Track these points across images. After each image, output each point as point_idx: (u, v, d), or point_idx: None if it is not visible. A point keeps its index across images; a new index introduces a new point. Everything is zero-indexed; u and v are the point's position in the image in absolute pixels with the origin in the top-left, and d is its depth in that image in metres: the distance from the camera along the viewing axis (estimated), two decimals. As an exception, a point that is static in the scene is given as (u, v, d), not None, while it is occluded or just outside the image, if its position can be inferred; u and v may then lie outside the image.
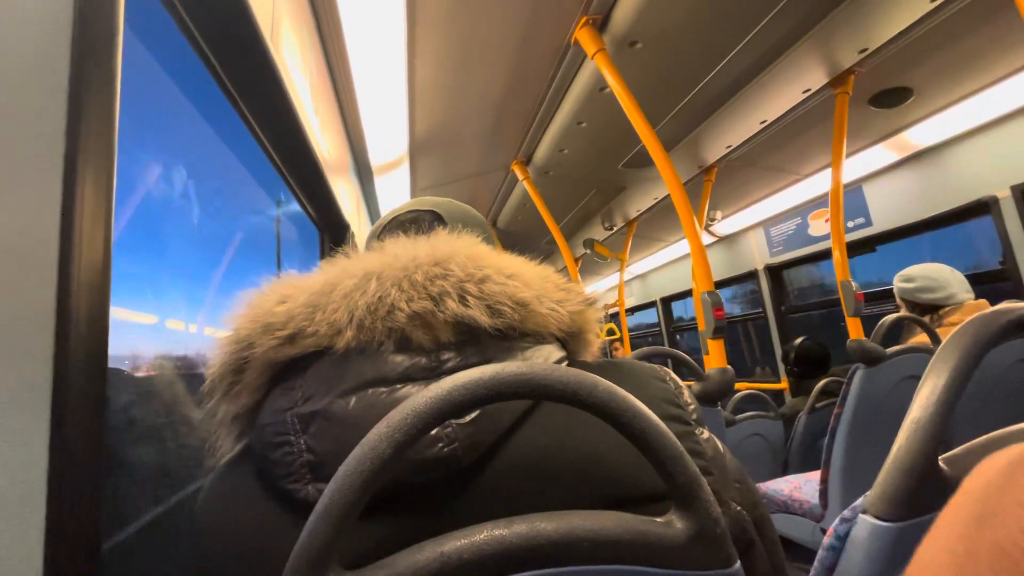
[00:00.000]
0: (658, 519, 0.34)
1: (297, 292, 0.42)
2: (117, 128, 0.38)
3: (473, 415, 0.37)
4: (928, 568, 0.20)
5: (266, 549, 0.35)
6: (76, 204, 0.34)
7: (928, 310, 1.79)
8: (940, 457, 0.38)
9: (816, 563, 0.42)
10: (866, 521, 0.39)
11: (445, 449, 0.36)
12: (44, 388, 0.32)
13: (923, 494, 0.37)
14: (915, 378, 1.52)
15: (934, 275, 1.75)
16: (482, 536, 0.31)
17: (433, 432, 0.36)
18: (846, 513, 0.41)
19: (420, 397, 0.31)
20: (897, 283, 1.86)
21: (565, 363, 0.44)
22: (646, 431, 0.33)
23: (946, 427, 0.37)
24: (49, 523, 0.32)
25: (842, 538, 0.40)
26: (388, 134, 2.23)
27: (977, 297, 1.80)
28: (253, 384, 0.41)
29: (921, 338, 1.70)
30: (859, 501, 0.40)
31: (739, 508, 0.42)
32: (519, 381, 0.32)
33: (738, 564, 0.35)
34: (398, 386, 0.38)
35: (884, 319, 1.61)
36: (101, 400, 0.36)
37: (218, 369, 0.41)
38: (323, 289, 0.41)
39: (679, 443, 0.34)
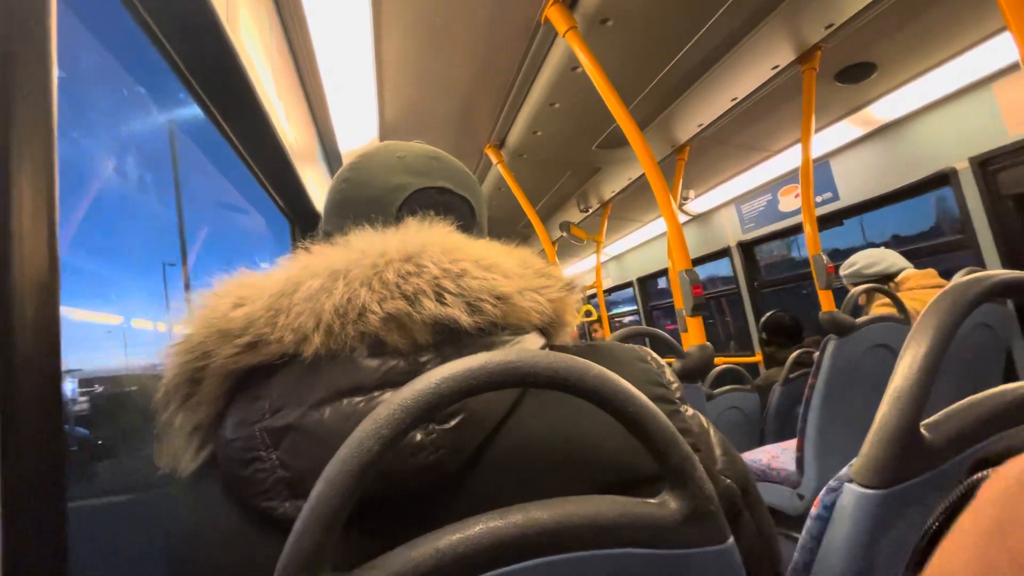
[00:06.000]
0: (652, 500, 0.34)
1: (255, 293, 0.39)
2: (55, 114, 0.35)
3: (457, 420, 0.35)
4: None
5: (244, 565, 0.34)
6: (13, 198, 0.31)
7: (880, 283, 1.95)
8: (921, 423, 0.39)
9: (804, 532, 0.43)
10: (852, 490, 0.40)
11: (431, 457, 0.34)
12: None
13: (907, 461, 0.38)
14: (883, 346, 1.58)
15: (869, 254, 2.04)
16: (477, 529, 0.31)
17: (417, 439, 0.34)
18: (832, 483, 0.42)
19: (407, 390, 0.30)
20: (843, 273, 2.10)
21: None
22: (638, 414, 0.33)
23: (928, 395, 0.38)
24: (6, 534, 0.30)
25: (829, 507, 0.41)
26: (357, 119, 2.16)
27: (936, 267, 1.94)
28: (212, 395, 0.38)
29: (883, 305, 1.82)
30: (844, 470, 0.41)
31: (729, 481, 0.43)
32: (508, 370, 0.31)
33: (731, 540, 0.35)
34: (376, 393, 0.36)
35: (853, 291, 1.69)
36: (57, 402, 0.33)
37: (171, 379, 0.38)
38: (284, 290, 0.38)
39: (671, 424, 0.34)
